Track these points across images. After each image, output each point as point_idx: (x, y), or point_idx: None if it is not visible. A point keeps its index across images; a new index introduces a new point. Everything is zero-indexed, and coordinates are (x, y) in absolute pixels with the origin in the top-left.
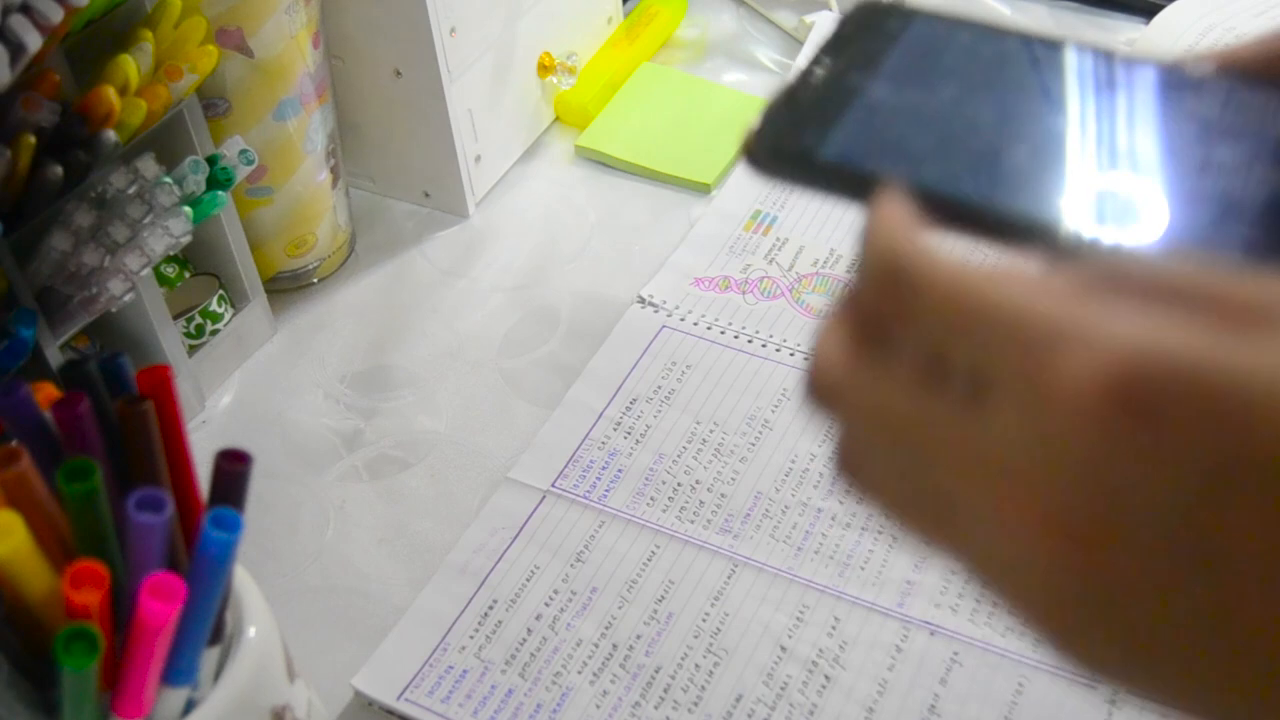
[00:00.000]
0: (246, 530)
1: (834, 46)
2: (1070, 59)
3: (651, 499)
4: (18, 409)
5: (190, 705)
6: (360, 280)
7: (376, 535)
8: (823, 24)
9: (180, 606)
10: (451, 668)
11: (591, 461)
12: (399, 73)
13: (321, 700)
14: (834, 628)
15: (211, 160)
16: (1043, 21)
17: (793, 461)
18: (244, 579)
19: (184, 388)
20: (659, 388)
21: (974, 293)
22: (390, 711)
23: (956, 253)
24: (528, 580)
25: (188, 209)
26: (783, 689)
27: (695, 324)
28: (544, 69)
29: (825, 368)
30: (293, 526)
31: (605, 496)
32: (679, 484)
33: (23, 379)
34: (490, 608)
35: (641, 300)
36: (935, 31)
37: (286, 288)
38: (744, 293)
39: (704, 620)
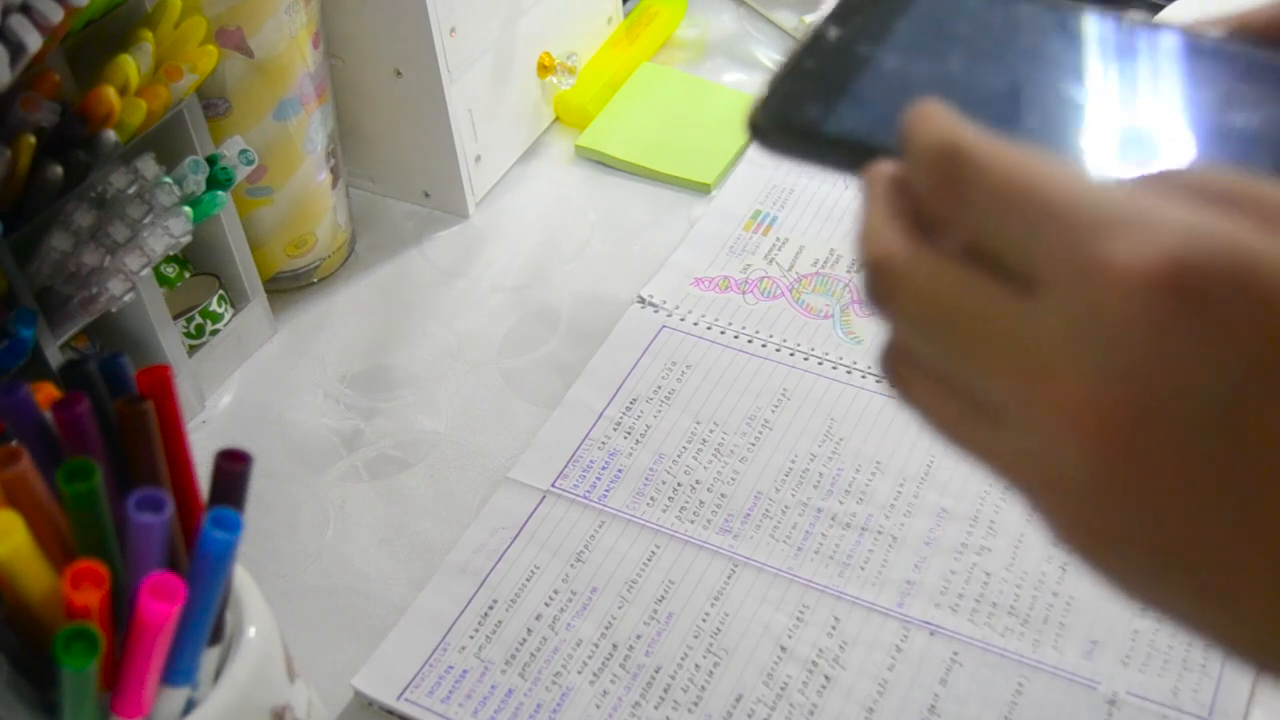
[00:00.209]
0: (246, 530)
1: (840, 16)
2: (1083, 25)
3: (651, 499)
4: (18, 409)
5: (190, 705)
6: (360, 280)
7: (376, 535)
8: None
9: (180, 606)
10: (451, 668)
11: (591, 461)
12: (399, 73)
13: (321, 700)
14: (834, 628)
15: (211, 160)
16: None
17: (793, 461)
18: (244, 579)
19: (184, 388)
20: (659, 388)
21: (1030, 177)
22: (390, 711)
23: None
24: (528, 580)
25: (188, 209)
26: (783, 689)
27: (695, 324)
28: (544, 69)
29: (884, 256)
30: (293, 526)
31: (605, 496)
32: (679, 484)
33: (23, 379)
34: (490, 608)
35: (641, 300)
36: None
37: (286, 288)
38: (744, 293)
39: (704, 620)
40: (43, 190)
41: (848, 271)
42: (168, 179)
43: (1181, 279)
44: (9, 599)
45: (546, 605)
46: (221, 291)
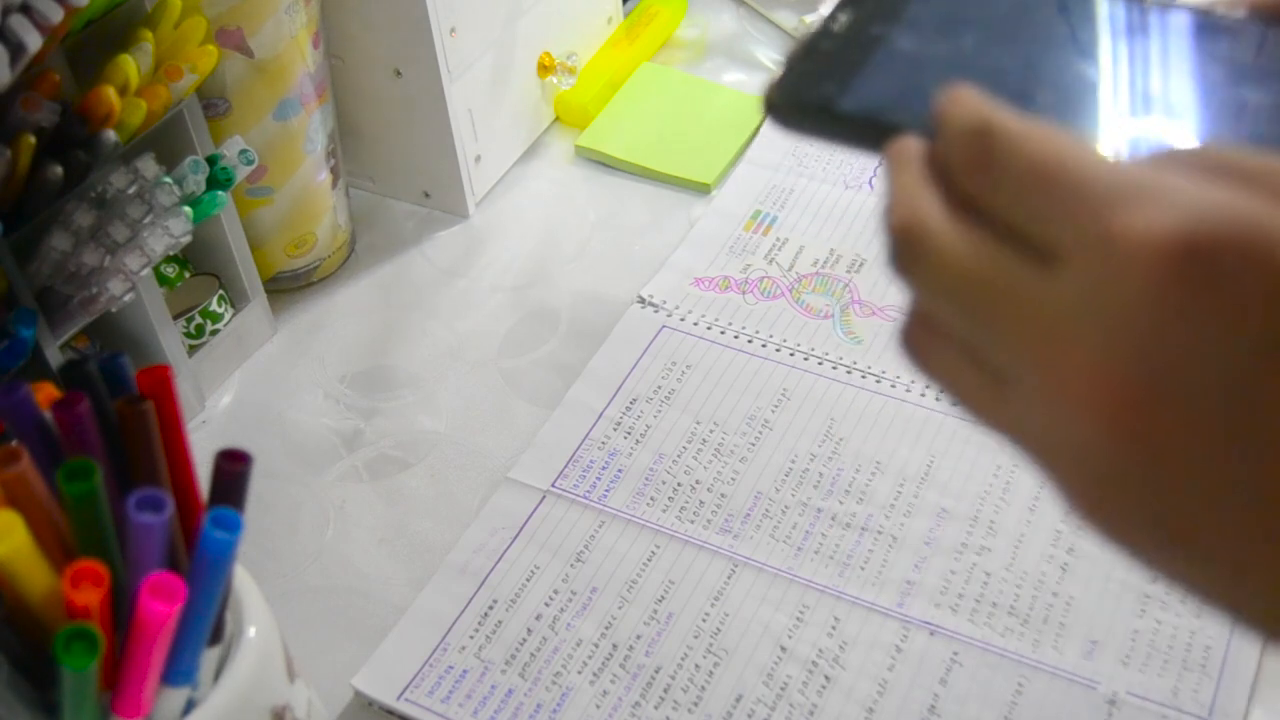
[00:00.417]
0: (246, 530)
1: None
2: (1097, 3)
3: (651, 499)
4: (18, 409)
5: (190, 705)
6: (360, 280)
7: (376, 535)
8: None
9: (180, 606)
10: (451, 668)
11: (591, 461)
12: (399, 73)
13: (321, 700)
14: (834, 628)
15: (211, 160)
16: None
17: (793, 461)
18: (244, 579)
19: (184, 388)
20: (659, 388)
21: (1056, 155)
22: (390, 711)
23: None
24: (528, 580)
25: (188, 209)
26: (783, 689)
27: (695, 324)
28: (544, 69)
29: (913, 222)
30: (293, 526)
31: (605, 496)
32: (679, 484)
33: (23, 379)
34: (490, 608)
35: (641, 300)
36: None
37: (286, 288)
38: (744, 293)
39: (704, 620)
40: (43, 190)
41: (848, 272)
42: (168, 179)
43: (1195, 251)
44: (9, 599)
45: (546, 605)
46: (221, 291)
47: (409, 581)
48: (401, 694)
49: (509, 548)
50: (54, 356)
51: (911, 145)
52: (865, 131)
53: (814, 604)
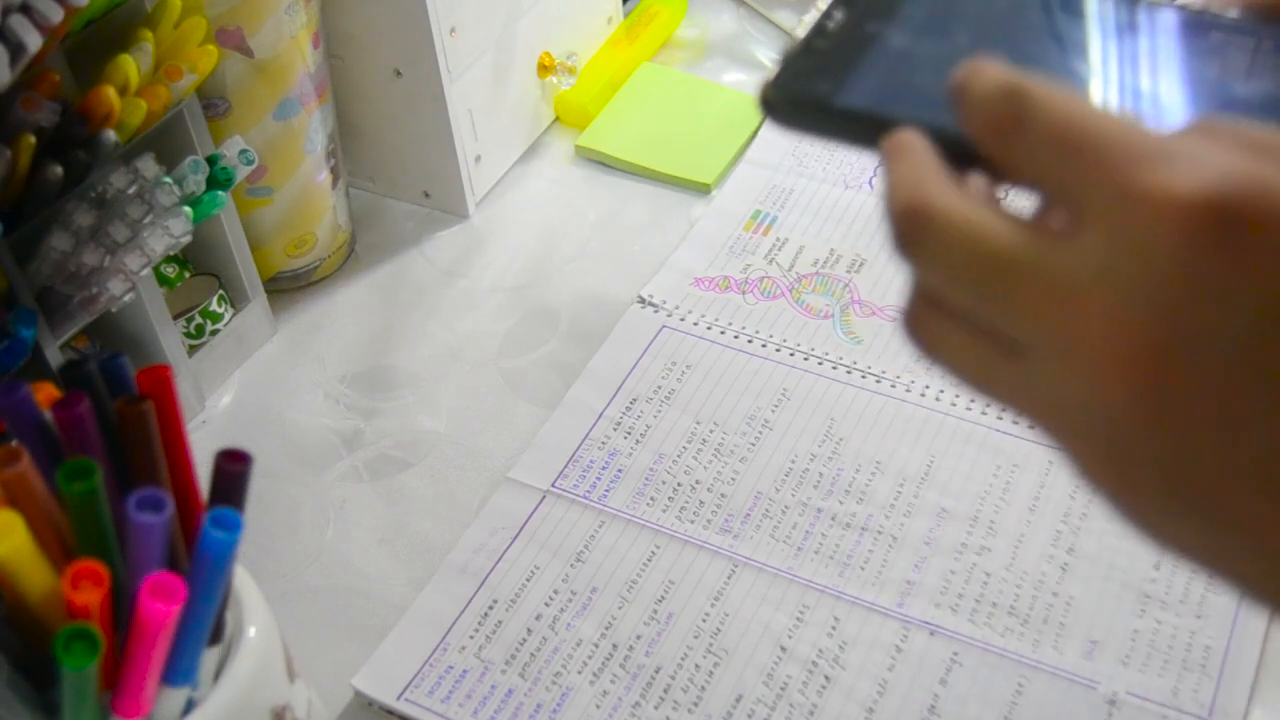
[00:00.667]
0: (246, 530)
1: None
2: (1089, 2)
3: (651, 499)
4: (18, 409)
5: (190, 705)
6: (360, 280)
7: (376, 535)
8: None
9: (180, 606)
10: (451, 668)
11: (591, 461)
12: (399, 73)
13: (321, 700)
14: (834, 628)
15: (211, 160)
16: None
17: (793, 461)
18: (244, 579)
19: (184, 388)
20: (659, 388)
21: (1089, 115)
22: (390, 711)
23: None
24: (528, 580)
25: (188, 209)
26: (783, 689)
27: (695, 324)
28: (544, 69)
29: (916, 202)
30: (293, 526)
31: (605, 496)
32: (679, 484)
33: (23, 379)
34: (490, 608)
35: (641, 300)
36: None
37: (286, 288)
38: (744, 293)
39: (704, 620)
40: (43, 190)
41: (848, 272)
42: (168, 179)
43: (1220, 211)
44: (9, 599)
45: (546, 605)
46: (221, 291)
47: (409, 581)
48: (401, 694)
49: (509, 548)
50: (54, 356)
51: (909, 136)
52: (860, 128)
53: (814, 604)
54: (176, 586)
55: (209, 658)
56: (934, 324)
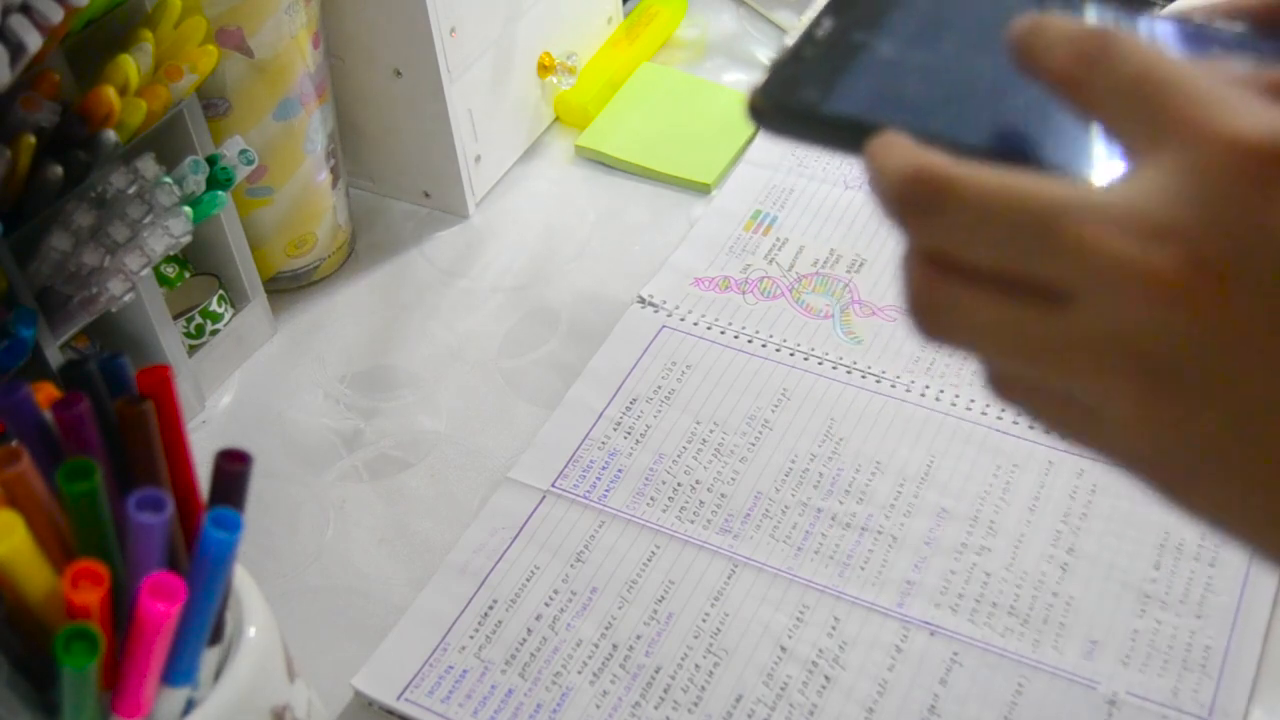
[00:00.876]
0: (246, 530)
1: (837, 2)
2: (1072, 8)
3: (651, 499)
4: (18, 409)
5: (190, 705)
6: (360, 280)
7: (376, 535)
8: None
9: (180, 606)
10: (451, 668)
11: (591, 461)
12: (399, 73)
13: (321, 700)
14: (834, 628)
15: (211, 160)
16: None
17: (793, 461)
18: (244, 579)
19: (184, 388)
20: (659, 388)
21: (1168, 59)
22: (390, 711)
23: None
24: (528, 580)
25: (188, 209)
26: (783, 689)
27: (695, 324)
28: (544, 69)
29: (926, 167)
30: (293, 526)
31: (605, 496)
32: (679, 484)
33: (23, 379)
34: (490, 608)
35: (641, 300)
36: None
37: (286, 288)
38: (744, 293)
39: (704, 620)
40: (43, 190)
41: (848, 272)
42: (168, 179)
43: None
44: (9, 599)
45: (546, 605)
46: (221, 291)
47: (409, 581)
48: (401, 694)
49: (509, 548)
50: (54, 356)
51: (894, 136)
52: (848, 134)
53: (814, 604)
54: (176, 586)
55: (209, 658)
56: (948, 293)
